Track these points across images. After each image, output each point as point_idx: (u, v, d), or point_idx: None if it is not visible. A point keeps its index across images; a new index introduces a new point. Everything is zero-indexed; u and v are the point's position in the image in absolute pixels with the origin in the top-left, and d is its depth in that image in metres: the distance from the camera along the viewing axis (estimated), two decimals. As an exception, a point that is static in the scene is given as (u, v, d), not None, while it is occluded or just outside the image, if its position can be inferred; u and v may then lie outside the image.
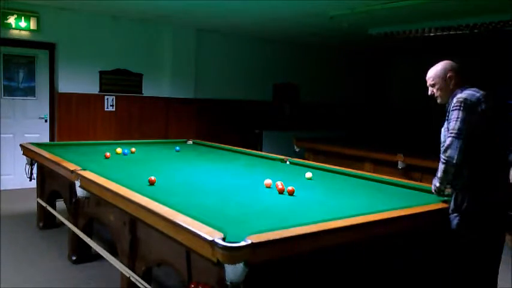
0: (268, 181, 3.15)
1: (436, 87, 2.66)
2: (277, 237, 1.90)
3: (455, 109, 2.47)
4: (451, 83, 2.62)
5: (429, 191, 3.06)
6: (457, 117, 2.45)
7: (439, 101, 2.69)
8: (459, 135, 2.44)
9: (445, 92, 2.64)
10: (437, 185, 2.58)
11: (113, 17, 7.06)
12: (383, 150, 5.82)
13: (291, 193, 2.90)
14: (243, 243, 1.79)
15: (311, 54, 9.54)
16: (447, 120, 2.55)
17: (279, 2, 5.66)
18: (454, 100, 2.51)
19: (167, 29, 7.60)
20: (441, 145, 2.56)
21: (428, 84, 2.72)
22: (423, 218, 2.53)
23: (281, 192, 2.94)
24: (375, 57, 10.38)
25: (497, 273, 2.57)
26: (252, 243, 1.80)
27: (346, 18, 6.29)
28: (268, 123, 8.94)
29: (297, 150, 6.99)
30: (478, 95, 2.51)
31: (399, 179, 3.55)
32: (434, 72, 2.68)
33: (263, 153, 5.10)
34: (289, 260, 2.01)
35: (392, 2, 5.37)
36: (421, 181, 4.14)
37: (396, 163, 5.32)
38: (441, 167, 2.51)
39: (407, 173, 5.18)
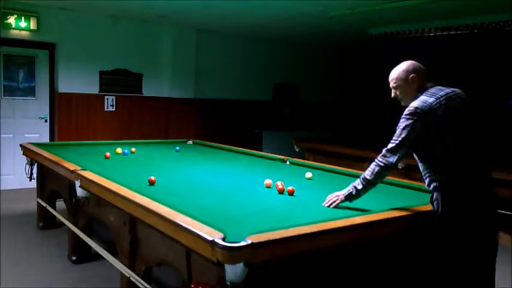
0: (268, 181, 3.15)
1: (399, 90, 2.59)
2: (277, 237, 1.90)
3: (404, 118, 2.43)
4: (413, 85, 2.55)
5: (429, 191, 3.06)
6: (404, 126, 2.42)
7: (402, 103, 2.62)
8: (403, 143, 2.42)
9: (408, 95, 2.56)
10: (359, 187, 2.52)
11: (112, 17, 7.06)
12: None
13: (291, 193, 2.90)
14: (243, 243, 1.79)
15: (311, 54, 9.54)
16: None
17: (279, 2, 5.66)
18: (406, 108, 2.46)
19: (167, 29, 7.60)
20: None
21: (391, 86, 2.64)
22: (423, 218, 2.53)
23: (281, 192, 2.94)
24: (375, 57, 10.37)
25: (493, 272, 2.53)
26: (252, 243, 1.80)
27: (346, 18, 6.29)
28: (268, 123, 8.95)
29: (297, 150, 6.99)
30: (431, 100, 2.42)
31: (399, 179, 3.55)
32: (396, 74, 2.60)
33: (263, 153, 5.10)
34: (289, 260, 2.01)
35: (392, 2, 5.37)
36: (421, 181, 4.14)
37: (396, 163, 5.31)
38: (376, 169, 2.48)
39: (407, 173, 5.17)
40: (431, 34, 6.69)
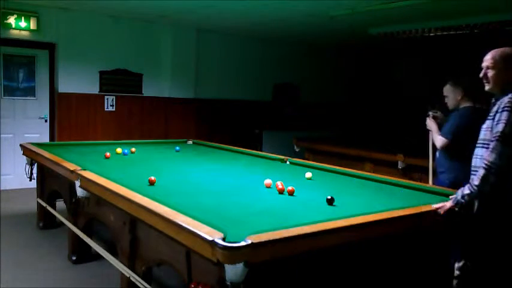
0: (268, 181, 3.15)
1: (493, 71, 2.39)
2: (277, 237, 1.90)
3: (506, 110, 2.24)
4: (509, 75, 2.37)
5: (429, 191, 3.07)
6: (507, 120, 2.23)
7: (487, 87, 2.45)
8: (504, 139, 2.21)
9: (498, 82, 2.39)
10: (466, 192, 2.34)
11: (112, 17, 7.05)
12: (383, 150, 5.82)
13: (291, 193, 2.90)
14: (243, 243, 1.79)
15: (311, 54, 9.54)
16: (492, 119, 2.33)
17: (279, 2, 5.66)
18: (506, 100, 2.27)
19: (167, 29, 7.60)
20: (477, 143, 2.38)
21: (484, 64, 2.44)
22: (423, 218, 2.53)
23: (281, 192, 2.94)
24: (375, 57, 10.38)
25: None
26: (252, 243, 1.80)
27: (346, 18, 6.29)
28: (268, 123, 8.95)
29: (297, 150, 6.99)
30: None
31: (399, 179, 3.55)
32: (498, 54, 2.41)
33: (263, 153, 5.10)
34: (289, 260, 2.01)
35: (392, 2, 5.37)
36: (421, 181, 4.14)
37: (396, 163, 5.32)
38: (480, 173, 2.27)
39: (407, 173, 5.18)
40: (431, 34, 6.69)
